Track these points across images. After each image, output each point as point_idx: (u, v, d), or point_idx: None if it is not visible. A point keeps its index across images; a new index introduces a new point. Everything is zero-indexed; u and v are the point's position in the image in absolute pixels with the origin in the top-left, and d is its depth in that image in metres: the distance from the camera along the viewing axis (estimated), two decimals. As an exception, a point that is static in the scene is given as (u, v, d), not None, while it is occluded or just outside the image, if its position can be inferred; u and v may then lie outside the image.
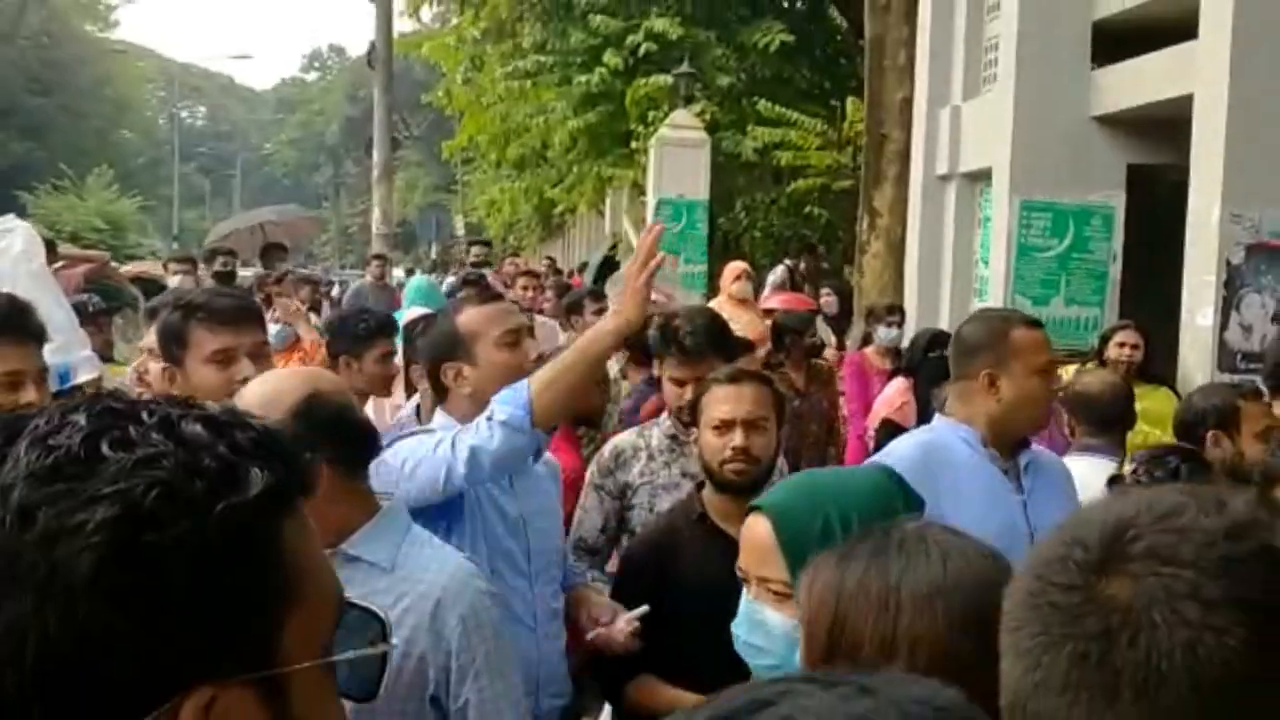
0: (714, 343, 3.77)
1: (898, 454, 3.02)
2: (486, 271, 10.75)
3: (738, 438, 2.95)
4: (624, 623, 2.86)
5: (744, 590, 1.79)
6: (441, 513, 2.63)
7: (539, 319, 8.52)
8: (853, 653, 1.34)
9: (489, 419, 2.60)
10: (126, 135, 62.44)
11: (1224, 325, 6.44)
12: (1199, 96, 6.60)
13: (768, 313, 10.02)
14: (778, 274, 11.61)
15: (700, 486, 3.08)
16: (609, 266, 12.86)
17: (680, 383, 3.62)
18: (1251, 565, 0.87)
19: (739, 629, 1.79)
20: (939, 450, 2.99)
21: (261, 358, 2.74)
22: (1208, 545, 0.87)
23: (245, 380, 2.61)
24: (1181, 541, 0.88)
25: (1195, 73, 6.68)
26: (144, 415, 0.79)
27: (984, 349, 3.05)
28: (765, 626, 1.74)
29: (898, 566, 1.38)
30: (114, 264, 10.58)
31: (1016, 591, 0.95)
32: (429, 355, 2.99)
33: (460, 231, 37.36)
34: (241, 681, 0.77)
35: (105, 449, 0.76)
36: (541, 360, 2.86)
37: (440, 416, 2.88)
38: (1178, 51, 7.09)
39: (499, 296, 3.46)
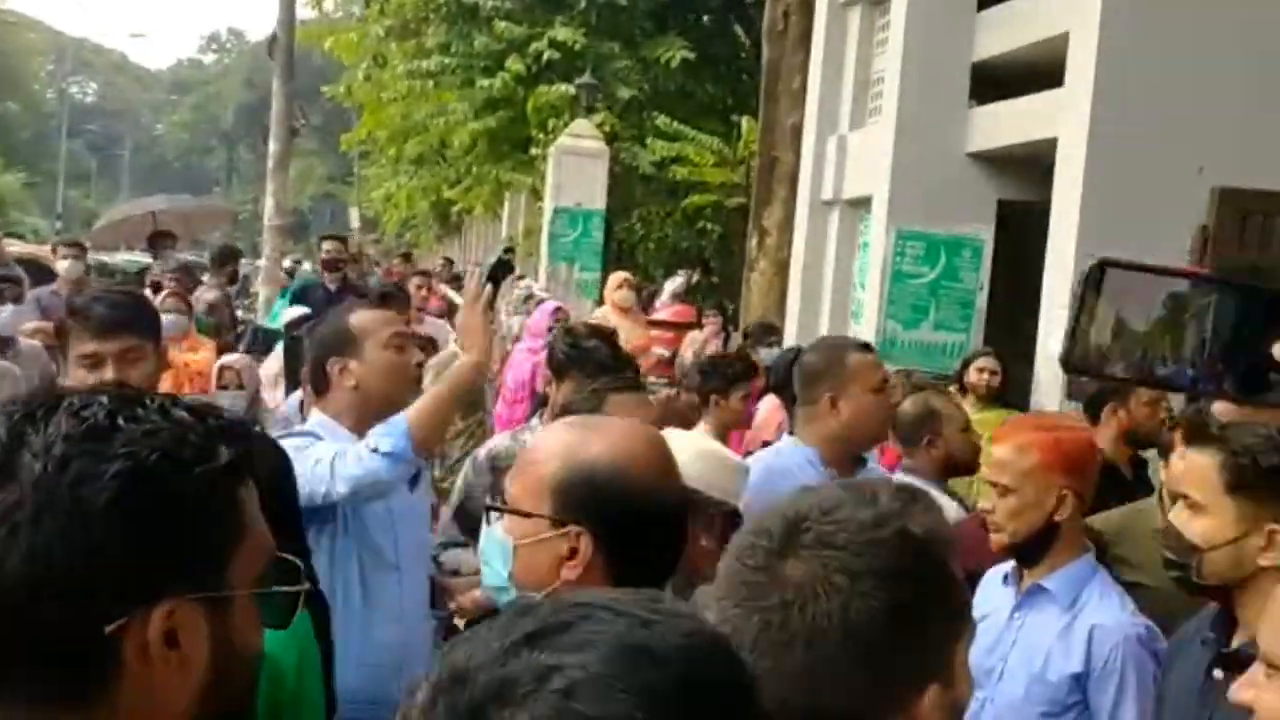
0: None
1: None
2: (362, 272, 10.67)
3: None
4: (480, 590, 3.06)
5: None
6: (312, 511, 2.78)
7: (428, 319, 8.66)
8: None
9: (372, 450, 2.79)
10: (10, 107, 60.39)
11: (1075, 356, 6.84)
12: (1062, 140, 7.02)
13: (656, 324, 10.31)
14: (677, 283, 11.87)
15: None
16: (502, 269, 12.97)
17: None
18: (891, 545, 1.16)
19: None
20: (778, 472, 3.27)
21: (131, 362, 2.80)
22: (859, 532, 1.16)
23: (106, 384, 2.75)
24: (839, 530, 1.17)
25: (1060, 117, 7.11)
26: (148, 401, 1.07)
27: (824, 374, 3.37)
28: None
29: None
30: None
31: (721, 569, 1.23)
32: (317, 350, 3.13)
33: (355, 224, 36.94)
34: (196, 599, 1.04)
35: (121, 422, 1.03)
36: (421, 367, 3.06)
37: (316, 415, 3.04)
38: (1047, 96, 7.52)
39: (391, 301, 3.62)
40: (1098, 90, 6.68)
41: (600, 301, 10.10)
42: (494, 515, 1.77)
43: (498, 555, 1.75)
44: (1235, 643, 2.06)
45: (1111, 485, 3.79)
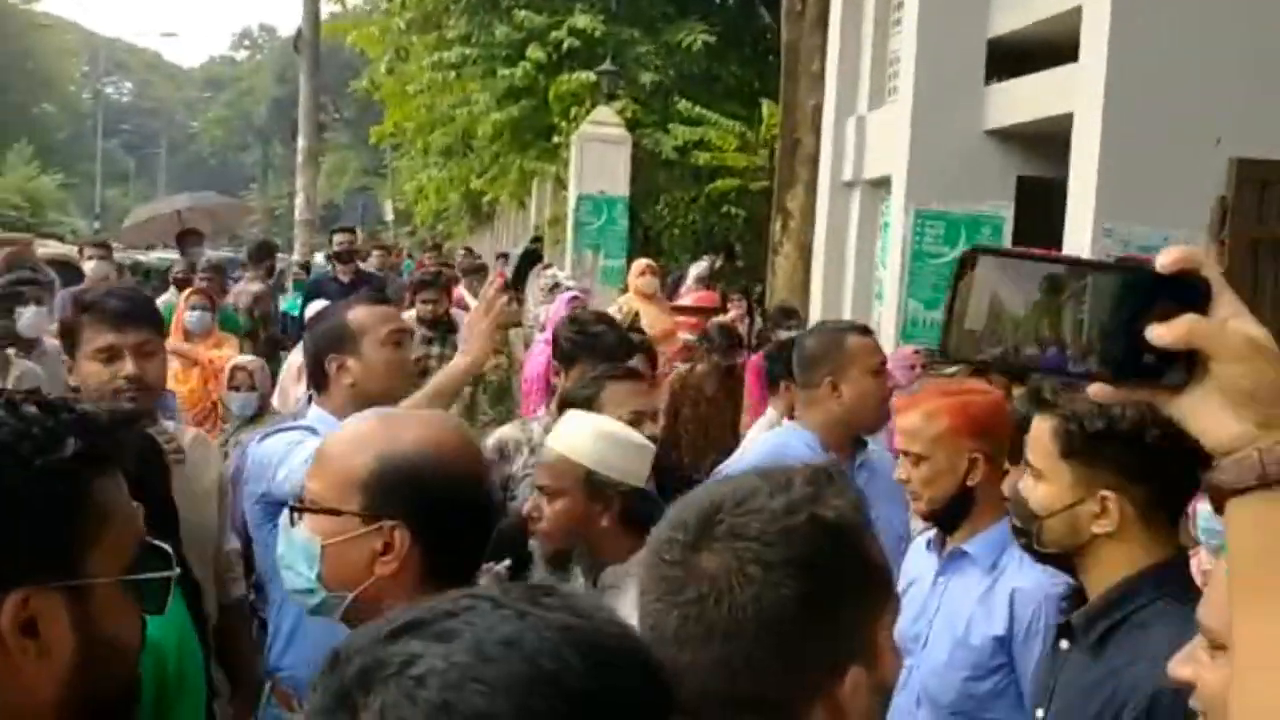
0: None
1: (741, 463, 3.36)
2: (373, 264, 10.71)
3: (652, 429, 3.29)
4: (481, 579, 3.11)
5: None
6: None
7: (454, 311, 8.72)
8: None
9: None
10: (48, 110, 61.11)
11: (1093, 332, 6.82)
12: (1078, 115, 6.98)
13: (681, 309, 10.32)
14: (701, 268, 11.87)
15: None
16: (531, 260, 13.06)
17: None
18: (802, 533, 1.17)
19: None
20: (779, 456, 3.30)
21: (148, 355, 2.89)
22: (770, 521, 1.18)
23: (128, 377, 2.82)
24: (751, 520, 1.18)
25: (1076, 92, 7.06)
26: None
27: (824, 358, 3.40)
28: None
29: None
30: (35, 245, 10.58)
31: (642, 563, 1.25)
32: (315, 347, 3.17)
33: (389, 217, 37.12)
34: (50, 588, 1.07)
35: None
36: (420, 362, 3.12)
37: (315, 410, 3.08)
38: (1063, 71, 7.47)
39: (387, 300, 3.67)
40: (1112, 64, 6.63)
41: (625, 288, 10.13)
42: (295, 517, 1.71)
43: (301, 558, 1.68)
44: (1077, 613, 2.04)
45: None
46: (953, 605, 2.64)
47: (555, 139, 15.41)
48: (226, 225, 17.85)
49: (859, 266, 9.94)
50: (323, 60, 20.70)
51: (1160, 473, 1.89)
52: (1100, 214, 6.74)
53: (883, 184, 9.39)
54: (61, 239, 21.76)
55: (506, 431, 3.92)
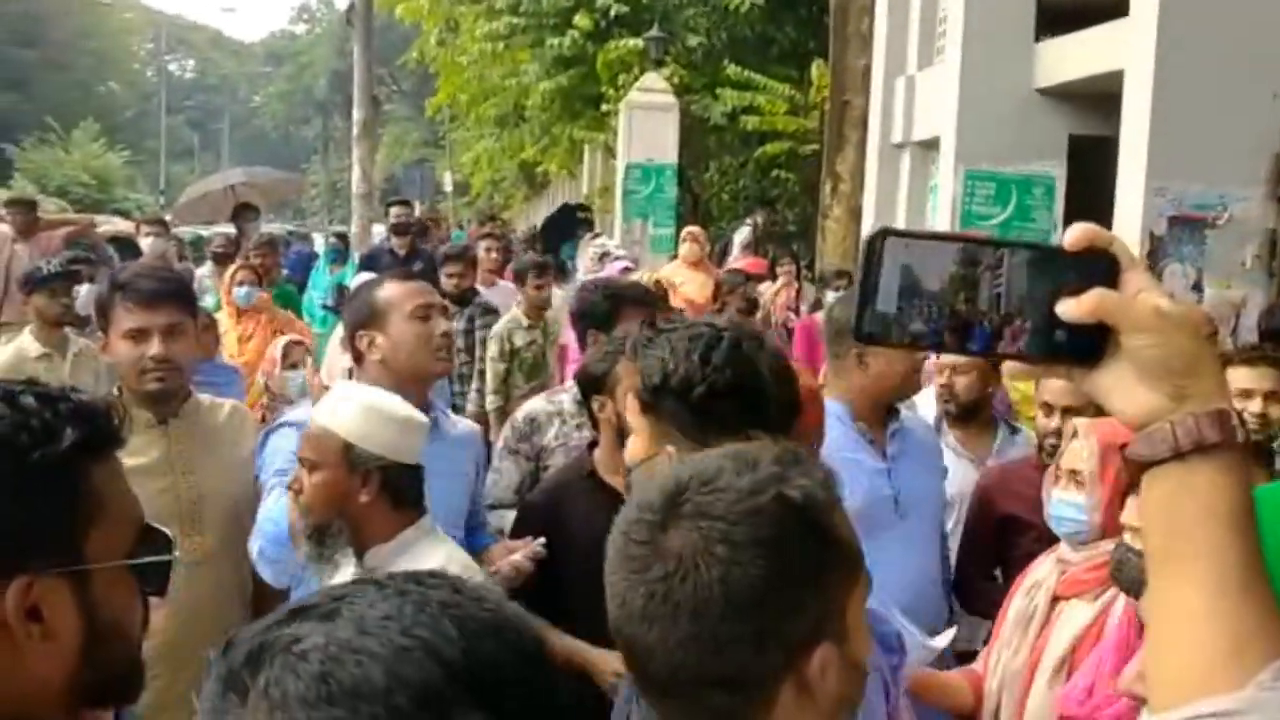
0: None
1: (772, 431, 3.33)
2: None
3: None
4: (519, 554, 3.13)
5: None
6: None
7: (500, 283, 8.76)
8: None
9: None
10: (113, 88, 62.08)
11: (1147, 294, 6.70)
12: (1128, 72, 6.83)
13: (732, 274, 10.27)
14: (744, 234, 11.81)
15: (592, 446, 3.34)
16: (568, 224, 12.94)
17: None
18: (768, 512, 1.18)
19: None
20: None
21: (176, 336, 2.93)
22: (736, 501, 1.19)
23: (154, 357, 2.87)
24: (717, 500, 1.19)
25: (1127, 48, 6.91)
26: None
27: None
28: None
29: None
30: (94, 223, 10.80)
31: (610, 542, 1.26)
32: (348, 323, 3.21)
33: (448, 188, 37.33)
34: (53, 574, 1.11)
35: None
36: (448, 336, 3.15)
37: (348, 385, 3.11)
38: (1114, 26, 7.31)
39: (413, 275, 3.68)
40: (1163, 18, 6.47)
41: (675, 256, 10.12)
42: None
43: None
44: None
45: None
46: None
47: (604, 107, 15.37)
48: (281, 199, 18.02)
49: (909, 228, 9.83)
50: (380, 33, 20.78)
51: (715, 431, 1.81)
52: (1153, 173, 6.61)
53: (932, 145, 9.26)
54: (128, 215, 22.16)
55: (536, 404, 3.94)
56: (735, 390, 1.87)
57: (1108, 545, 2.49)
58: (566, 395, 3.88)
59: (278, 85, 73.38)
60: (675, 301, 7.83)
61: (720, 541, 1.17)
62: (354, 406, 2.47)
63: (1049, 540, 2.85)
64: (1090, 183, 7.96)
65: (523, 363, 6.61)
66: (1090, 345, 0.98)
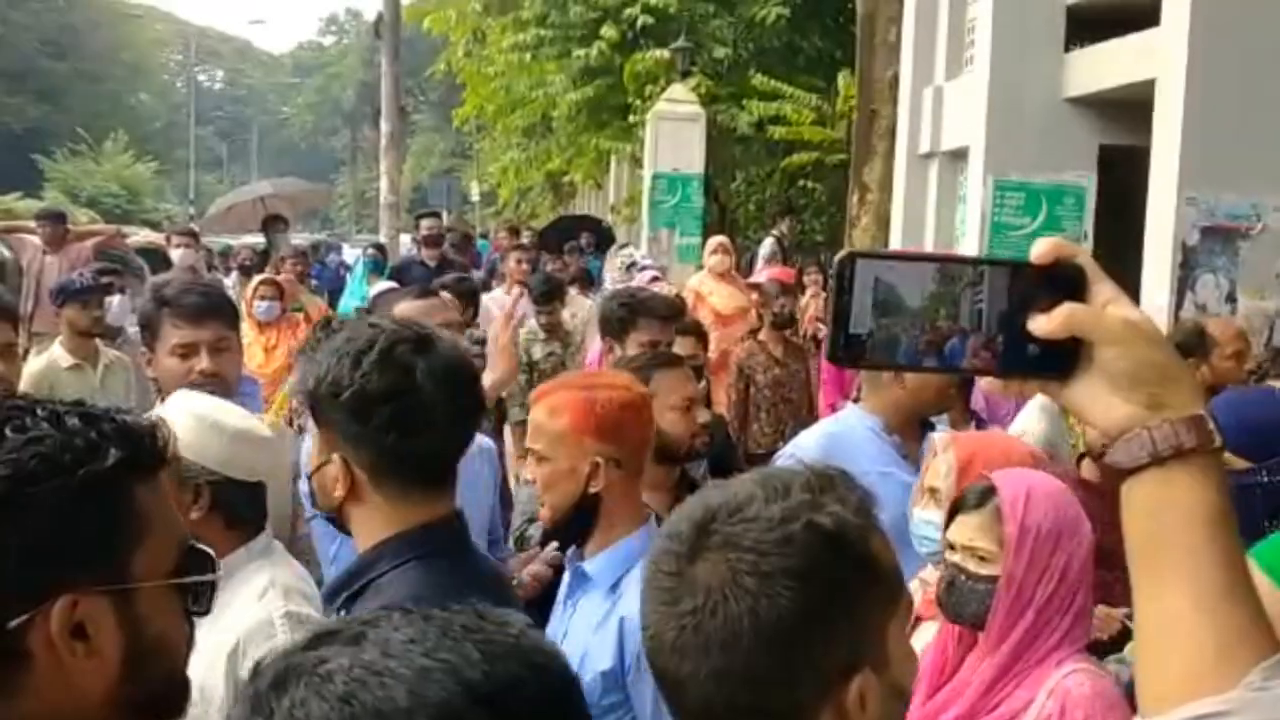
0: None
1: (803, 446, 3.32)
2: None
3: (704, 415, 3.26)
4: (536, 564, 3.13)
5: None
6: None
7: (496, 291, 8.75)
8: None
9: None
10: (143, 99, 62.68)
11: (1179, 305, 6.65)
12: (1160, 82, 6.78)
13: (757, 286, 10.24)
14: (767, 247, 11.78)
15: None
16: (568, 230, 12.89)
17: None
18: (799, 541, 1.15)
19: None
20: (841, 440, 3.26)
21: (223, 351, 2.95)
22: (767, 530, 1.15)
23: (203, 372, 2.88)
24: (747, 530, 1.15)
25: (1158, 57, 6.86)
26: (38, 410, 1.16)
27: None
28: None
29: None
30: (123, 234, 10.89)
31: (640, 572, 1.25)
32: None
33: (475, 199, 37.43)
34: (97, 592, 1.12)
35: (8, 431, 1.13)
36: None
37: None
38: (1145, 35, 7.26)
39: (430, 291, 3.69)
40: (1195, 27, 6.44)
41: (701, 266, 10.09)
42: None
43: None
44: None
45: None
46: (576, 632, 2.35)
47: (631, 118, 15.39)
48: (309, 210, 18.14)
49: (938, 239, 9.79)
50: (408, 44, 20.91)
51: (379, 439, 1.79)
52: (1184, 182, 6.56)
53: (961, 155, 9.23)
54: (158, 225, 22.35)
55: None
56: (388, 396, 1.79)
57: None
58: (595, 407, 3.88)
59: (306, 96, 73.89)
60: (702, 313, 7.81)
61: (749, 574, 1.14)
62: (183, 416, 2.20)
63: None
64: (1121, 193, 7.91)
65: (542, 375, 6.60)
66: (1062, 359, 0.98)
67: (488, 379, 3.05)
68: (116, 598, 1.14)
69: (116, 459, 1.14)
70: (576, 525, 2.36)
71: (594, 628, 2.29)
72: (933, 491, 2.48)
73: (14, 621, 1.09)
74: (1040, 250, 0.99)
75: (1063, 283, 0.98)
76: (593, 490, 2.31)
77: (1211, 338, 4.48)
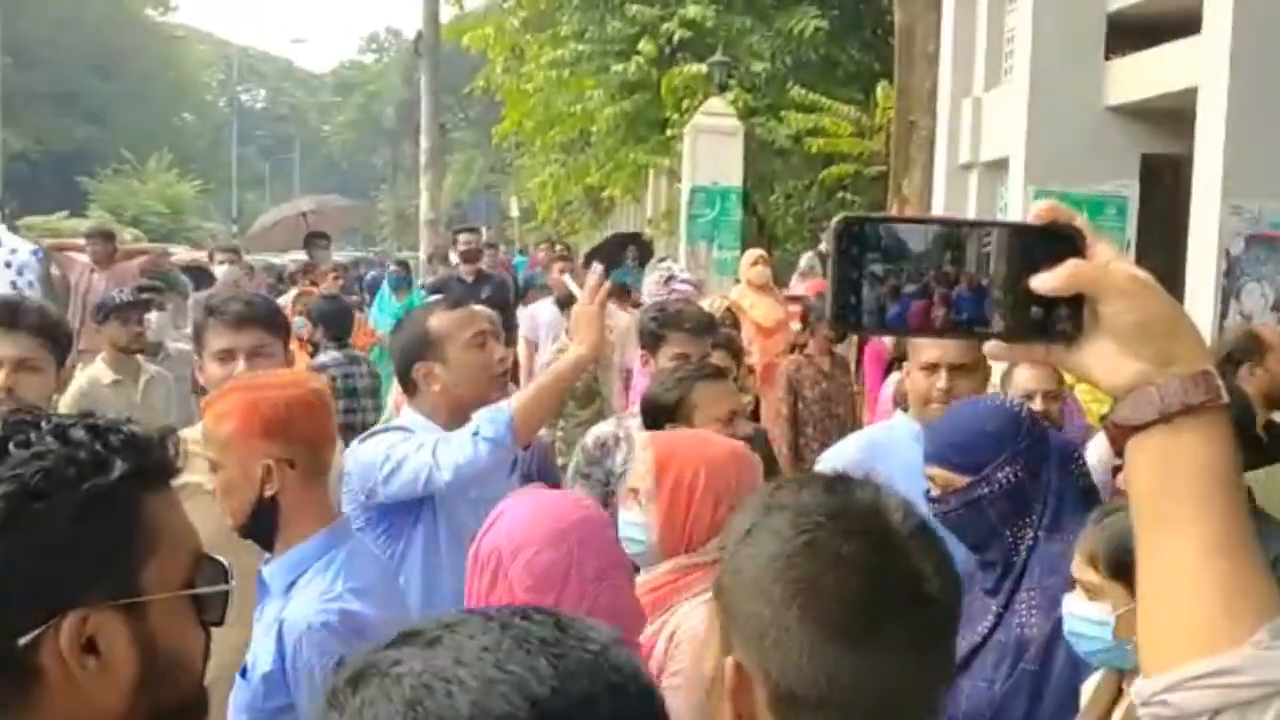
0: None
1: (842, 453, 3.31)
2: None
3: (747, 427, 3.27)
4: None
5: None
6: (402, 501, 2.90)
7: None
8: None
9: (474, 435, 2.83)
10: (187, 119, 63.48)
11: (1224, 314, 6.57)
12: (1202, 89, 6.71)
13: (794, 299, 10.23)
14: (804, 261, 11.76)
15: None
16: (616, 253, 12.88)
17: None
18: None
19: None
20: (881, 448, 3.25)
21: (262, 357, 2.97)
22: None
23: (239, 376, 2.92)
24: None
25: (1200, 65, 6.79)
26: (43, 424, 1.15)
27: None
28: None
29: None
30: (168, 252, 11.03)
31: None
32: (401, 355, 3.18)
33: (514, 214, 37.59)
34: (108, 606, 1.11)
35: (11, 448, 1.12)
36: (505, 361, 3.15)
37: (409, 413, 3.13)
38: (1187, 43, 7.19)
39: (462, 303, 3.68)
40: (1237, 34, 6.37)
41: (739, 279, 10.07)
42: None
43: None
44: None
45: (1245, 448, 3.62)
46: (256, 640, 2.31)
47: (669, 132, 15.41)
48: (351, 227, 18.28)
49: (978, 251, 9.72)
50: (447, 61, 21.07)
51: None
52: (1228, 191, 6.48)
53: (1001, 165, 9.17)
54: (200, 244, 22.62)
55: (604, 428, 3.96)
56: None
57: (665, 568, 2.33)
58: (634, 420, 3.88)
59: (347, 114, 74.44)
60: (744, 326, 7.80)
61: None
62: None
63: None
64: (1164, 202, 7.83)
65: (574, 390, 6.59)
66: (1066, 321, 0.97)
67: (573, 353, 3.04)
68: (128, 611, 1.12)
69: (123, 471, 1.13)
70: (264, 530, 2.32)
71: (265, 630, 2.26)
72: (634, 492, 2.44)
73: (24, 639, 1.08)
74: (1041, 208, 0.98)
75: (1062, 243, 0.97)
76: (269, 494, 2.29)
77: (1265, 341, 4.43)
